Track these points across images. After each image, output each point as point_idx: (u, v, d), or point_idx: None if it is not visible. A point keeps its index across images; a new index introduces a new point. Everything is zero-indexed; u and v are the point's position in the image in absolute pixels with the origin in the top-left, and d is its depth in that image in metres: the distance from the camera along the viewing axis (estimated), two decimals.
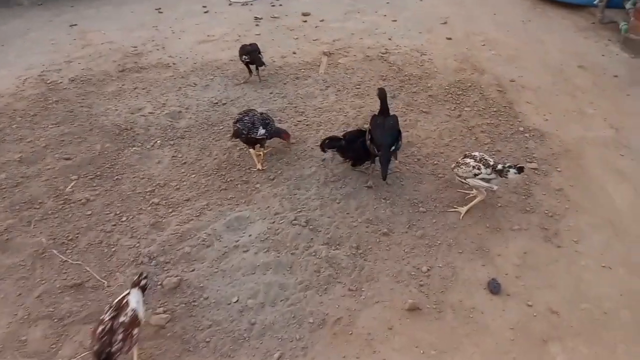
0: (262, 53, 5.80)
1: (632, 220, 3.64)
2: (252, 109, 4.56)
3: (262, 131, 4.29)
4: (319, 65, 6.10)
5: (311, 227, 3.79)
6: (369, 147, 4.07)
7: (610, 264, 3.34)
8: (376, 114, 4.19)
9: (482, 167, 3.51)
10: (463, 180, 3.66)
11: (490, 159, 3.57)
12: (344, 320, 3.12)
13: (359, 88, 5.57)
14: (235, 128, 4.40)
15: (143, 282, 3.04)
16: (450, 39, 6.49)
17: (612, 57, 5.71)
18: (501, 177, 3.49)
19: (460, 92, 5.30)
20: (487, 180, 3.53)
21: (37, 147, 4.92)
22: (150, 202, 4.18)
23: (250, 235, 3.77)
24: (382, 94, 4.13)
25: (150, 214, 4.05)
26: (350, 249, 3.60)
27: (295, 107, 5.31)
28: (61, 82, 6.07)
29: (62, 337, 3.18)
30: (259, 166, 4.45)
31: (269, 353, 2.98)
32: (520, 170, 3.44)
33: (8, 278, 3.60)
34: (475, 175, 3.54)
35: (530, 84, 5.36)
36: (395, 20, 7.17)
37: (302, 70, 6.04)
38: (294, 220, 3.84)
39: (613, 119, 4.69)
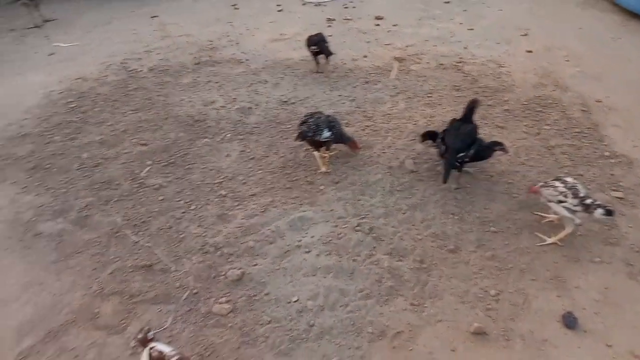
0: (327, 43, 5.83)
1: None
2: (319, 111, 4.55)
3: (327, 134, 4.28)
4: (390, 71, 6.02)
5: (374, 235, 3.72)
6: (439, 147, 4.04)
7: None
8: (457, 118, 4.11)
9: (569, 195, 3.30)
10: (547, 203, 3.46)
11: (582, 190, 3.34)
12: (405, 335, 3.03)
13: (431, 97, 5.43)
14: (300, 130, 4.41)
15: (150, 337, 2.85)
16: (530, 51, 6.20)
17: None
18: (587, 212, 3.26)
19: (540, 109, 5.04)
20: (572, 212, 3.31)
21: (116, 131, 5.18)
22: (218, 193, 4.28)
23: (312, 237, 3.76)
24: (472, 103, 4.03)
25: (217, 205, 4.15)
26: (414, 262, 3.50)
27: (364, 111, 5.26)
28: (141, 71, 6.37)
29: (131, 314, 3.31)
30: (324, 168, 4.44)
31: (326, 357, 2.95)
32: (609, 213, 3.20)
33: (85, 252, 3.80)
34: (560, 202, 3.33)
35: (618, 106, 5.01)
36: (471, 29, 6.95)
37: (373, 74, 5.99)
38: (357, 226, 3.79)
39: None
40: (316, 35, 5.90)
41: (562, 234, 3.48)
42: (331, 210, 4.00)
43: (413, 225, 3.80)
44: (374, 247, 3.63)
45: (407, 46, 6.58)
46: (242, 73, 6.24)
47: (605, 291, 3.19)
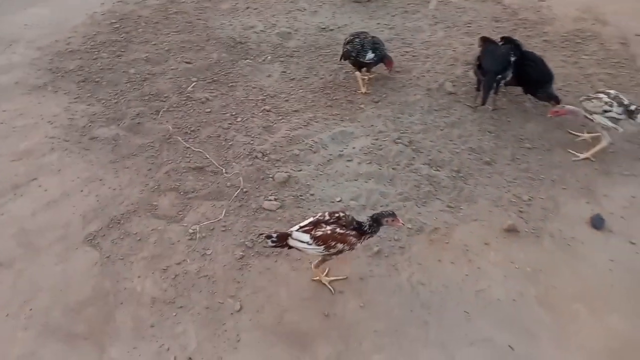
0: None
1: None
2: (364, 31, 4.65)
3: (370, 55, 4.39)
4: (429, 1, 6.01)
5: (414, 147, 3.93)
6: (475, 72, 4.15)
7: None
8: (490, 38, 4.20)
9: (614, 104, 3.45)
10: (589, 116, 3.60)
11: (625, 99, 3.49)
12: (441, 231, 3.29)
13: (470, 27, 5.46)
14: (345, 49, 4.53)
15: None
16: None
17: None
18: (630, 118, 3.41)
19: (579, 41, 5.06)
20: (615, 121, 3.45)
21: (160, 50, 5.35)
22: (262, 108, 4.49)
23: (354, 148, 3.98)
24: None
25: (262, 118, 4.37)
26: (451, 171, 3.71)
27: (403, 38, 5.34)
28: None
29: (186, 207, 3.61)
30: (364, 89, 4.59)
31: (368, 247, 3.23)
32: None
33: (139, 155, 4.08)
34: (605, 112, 3.48)
35: None
36: None
37: (411, 4, 5.99)
38: (397, 139, 4.00)
39: None
40: None
41: (595, 149, 3.64)
42: (371, 125, 4.20)
43: (451, 140, 3.99)
44: (413, 158, 3.84)
45: None
46: (281, 1, 6.28)
47: (632, 199, 3.39)
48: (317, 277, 3.02)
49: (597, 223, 3.19)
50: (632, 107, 3.42)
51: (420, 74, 4.75)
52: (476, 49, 4.46)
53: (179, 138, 4.20)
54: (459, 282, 2.98)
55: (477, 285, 2.95)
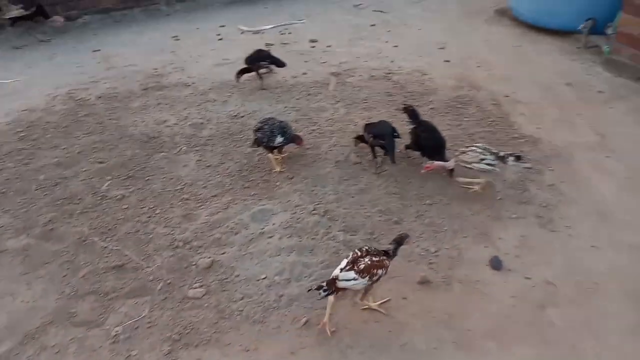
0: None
1: (616, 208, 4.07)
2: (272, 118, 5.03)
3: (280, 139, 4.74)
4: (328, 84, 6.64)
5: (329, 216, 4.19)
6: (370, 142, 4.67)
7: (599, 245, 3.74)
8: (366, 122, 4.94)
9: (487, 154, 4.05)
10: (468, 166, 4.13)
11: (492, 148, 4.16)
12: (362, 292, 3.47)
13: (367, 102, 6.08)
14: (256, 137, 4.85)
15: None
16: (448, 61, 7.07)
17: (597, 76, 6.28)
18: (503, 162, 4.04)
19: (460, 106, 5.81)
20: (492, 166, 4.03)
21: (71, 153, 5.35)
22: (181, 197, 4.59)
23: (274, 224, 4.16)
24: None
25: (182, 207, 4.45)
26: (365, 234, 3.99)
27: (309, 118, 5.80)
28: (89, 99, 6.57)
29: (108, 309, 3.51)
30: (278, 168, 4.88)
31: (296, 319, 3.32)
32: (518, 158, 3.99)
33: (54, 262, 3.95)
34: (482, 159, 4.04)
35: (523, 99, 5.88)
36: (396, 46, 7.77)
37: (313, 87, 6.57)
38: (313, 210, 4.25)
39: (598, 127, 5.18)
40: (261, 50, 6.51)
41: (477, 181, 4.32)
42: (288, 200, 4.43)
43: (362, 205, 4.31)
44: (330, 226, 4.09)
45: (341, 63, 7.26)
46: (190, 94, 6.61)
47: (522, 239, 3.83)
48: (367, 306, 3.32)
49: (496, 264, 3.56)
50: (501, 154, 4.06)
51: (328, 148, 5.16)
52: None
53: (96, 239, 4.14)
54: (384, 340, 3.13)
55: (400, 340, 3.12)
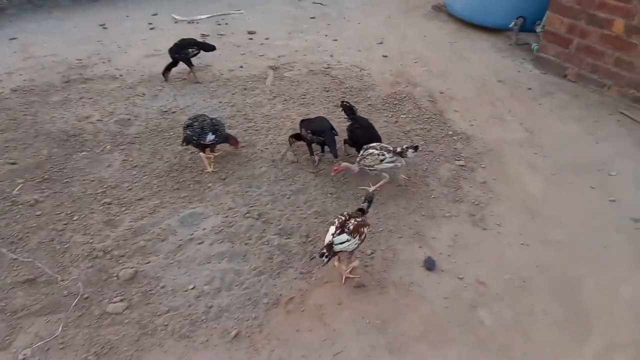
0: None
1: (543, 204, 4.20)
2: (203, 114, 4.76)
3: (211, 137, 4.50)
4: (266, 78, 6.43)
5: (263, 219, 4.02)
6: (309, 138, 4.54)
7: (528, 242, 3.83)
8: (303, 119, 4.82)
9: (385, 153, 4.07)
10: (371, 169, 4.13)
11: (389, 146, 4.18)
12: (297, 299, 3.35)
13: (305, 98, 5.94)
14: (185, 134, 4.57)
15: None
16: (386, 56, 7.06)
17: (526, 73, 6.49)
18: (403, 157, 4.11)
19: (397, 102, 5.81)
20: (392, 163, 4.09)
21: None
22: (102, 202, 4.24)
23: (204, 229, 3.94)
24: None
25: (103, 212, 4.12)
26: (301, 237, 3.86)
27: (245, 114, 5.58)
28: (2, 92, 5.97)
29: (15, 329, 3.17)
30: (210, 168, 4.64)
31: (226, 332, 3.14)
32: (416, 148, 4.08)
33: None
34: (382, 161, 4.06)
35: (457, 96, 5.97)
36: (335, 40, 7.68)
37: (250, 82, 6.34)
38: (247, 213, 4.06)
39: (527, 124, 5.35)
40: (186, 38, 6.19)
41: (380, 183, 4.30)
42: (220, 203, 4.22)
43: (297, 207, 4.18)
44: (264, 230, 3.92)
45: (279, 56, 7.06)
46: (117, 88, 6.18)
47: (455, 237, 3.86)
48: (345, 275, 3.46)
49: (430, 265, 3.55)
50: (399, 149, 4.11)
51: (264, 146, 4.97)
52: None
53: (3, 250, 3.73)
54: (318, 349, 3.03)
55: (333, 348, 3.03)
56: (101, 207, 4.18)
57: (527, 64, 6.74)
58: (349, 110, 4.81)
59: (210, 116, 4.71)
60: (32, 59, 6.87)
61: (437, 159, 4.76)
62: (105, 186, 4.45)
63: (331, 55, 7.10)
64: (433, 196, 4.29)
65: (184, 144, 4.62)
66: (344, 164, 4.23)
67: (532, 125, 5.34)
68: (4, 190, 4.32)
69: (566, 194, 4.37)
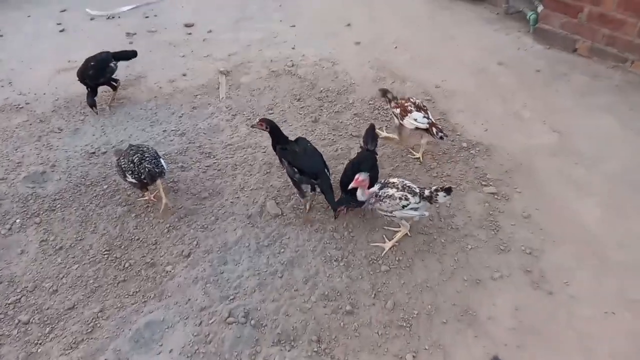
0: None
1: (609, 244, 3.26)
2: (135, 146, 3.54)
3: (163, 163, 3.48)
4: (218, 89, 5.11)
5: (253, 322, 2.88)
6: (296, 180, 3.44)
7: (612, 308, 2.89)
8: (280, 146, 3.51)
9: (409, 196, 3.00)
10: (389, 215, 3.09)
11: (415, 187, 3.07)
12: None
13: (272, 112, 4.70)
14: (147, 169, 3.37)
15: None
16: (359, 43, 5.87)
17: (528, 49, 5.49)
18: (431, 202, 3.05)
19: (387, 107, 4.68)
20: (416, 209, 3.04)
21: None
22: (16, 320, 2.96)
23: (171, 351, 2.76)
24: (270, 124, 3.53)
25: (18, 342, 2.84)
26: (310, 344, 2.77)
27: (199, 146, 4.30)
28: None
29: None
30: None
31: None
32: (449, 191, 2.98)
33: None
34: (404, 207, 3.00)
35: (457, 89, 4.92)
36: (293, 26, 6.37)
37: (198, 96, 5.01)
38: (229, 316, 2.90)
39: (551, 121, 4.39)
40: (100, 54, 4.73)
41: (398, 236, 3.25)
42: (188, 300, 3.03)
43: (296, 290, 3.06)
44: (257, 340, 2.79)
45: (229, 55, 5.71)
46: (24, 123, 4.71)
47: (517, 314, 2.88)
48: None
49: None
50: (427, 193, 3.04)
51: (234, 195, 3.76)
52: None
53: None
54: None
55: None
56: (16, 331, 2.89)
57: (525, 37, 5.72)
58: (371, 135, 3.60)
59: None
60: None
61: (460, 186, 3.73)
62: (19, 290, 3.14)
63: (293, 48, 5.82)
64: (470, 246, 3.28)
65: (146, 183, 3.39)
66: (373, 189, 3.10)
67: (557, 122, 4.37)
68: None
69: (633, 223, 3.42)
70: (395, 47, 5.73)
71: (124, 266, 3.27)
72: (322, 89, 5.01)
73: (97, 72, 4.59)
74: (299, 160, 3.39)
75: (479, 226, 3.41)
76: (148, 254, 3.35)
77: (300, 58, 5.59)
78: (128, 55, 4.91)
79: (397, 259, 3.20)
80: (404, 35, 5.98)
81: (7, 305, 3.05)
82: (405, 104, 3.80)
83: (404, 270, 3.14)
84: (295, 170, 3.38)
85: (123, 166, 3.44)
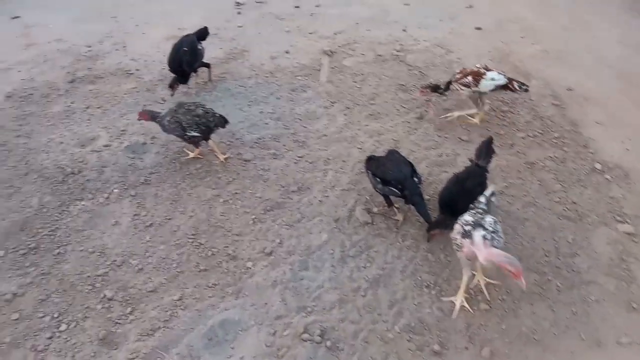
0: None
1: None
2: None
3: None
4: (319, 70, 4.84)
5: (329, 343, 2.66)
6: (379, 191, 3.14)
7: None
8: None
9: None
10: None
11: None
12: None
13: (374, 104, 4.34)
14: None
15: None
16: (479, 29, 5.23)
17: None
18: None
19: (507, 109, 4.11)
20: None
21: None
22: (102, 294, 3.02)
23: (242, 358, 2.64)
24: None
25: (101, 317, 2.90)
26: None
27: (294, 133, 4.10)
28: None
29: None
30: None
31: None
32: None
33: None
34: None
35: (594, 94, 4.18)
36: (407, 4, 5.85)
37: (299, 77, 4.79)
38: (304, 332, 2.71)
39: None
40: (186, 36, 4.57)
41: (463, 287, 2.71)
42: (265, 304, 2.89)
43: (379, 314, 2.78)
44: None
45: (335, 33, 5.39)
46: (132, 90, 4.82)
47: None
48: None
49: None
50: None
51: (323, 193, 3.53)
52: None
53: None
54: None
55: None
56: (99, 306, 2.96)
57: None
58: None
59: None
60: (35, 48, 5.56)
61: (587, 218, 3.14)
62: (108, 263, 3.21)
63: (404, 29, 5.34)
64: (593, 297, 2.75)
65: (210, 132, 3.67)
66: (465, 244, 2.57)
67: None
68: None
69: None
70: (523, 37, 5.02)
71: (206, 254, 3.21)
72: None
73: (192, 57, 4.47)
74: (382, 167, 3.07)
75: (606, 273, 2.84)
76: (231, 245, 3.26)
77: (411, 42, 5.12)
78: (204, 35, 4.72)
79: (500, 297, 2.78)
80: (534, 22, 5.23)
81: (95, 277, 3.13)
82: (474, 70, 3.66)
83: (507, 313, 2.72)
84: (378, 179, 3.07)
85: (184, 123, 3.61)
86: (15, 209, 3.61)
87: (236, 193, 3.63)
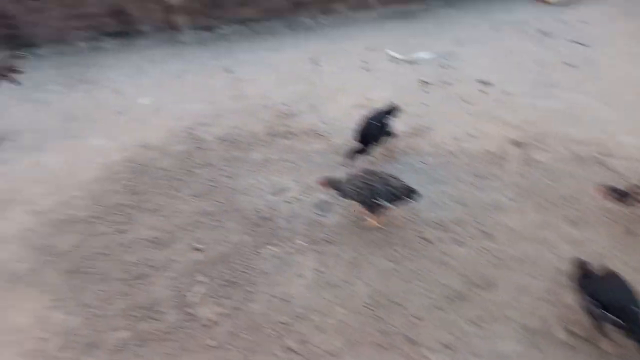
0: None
1: None
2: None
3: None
4: (506, 159, 4.73)
5: None
6: (594, 314, 2.84)
7: None
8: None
9: None
10: None
11: None
12: None
13: (571, 205, 4.08)
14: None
15: None
16: None
17: None
18: None
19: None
20: None
21: (170, 225, 4.31)
22: (284, 343, 3.21)
23: None
24: None
25: None
26: None
27: (479, 223, 4.02)
28: (209, 140, 5.55)
29: None
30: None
31: None
32: None
33: None
34: None
35: None
36: (608, 105, 5.50)
37: (483, 163, 4.75)
38: None
39: None
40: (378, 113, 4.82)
41: None
42: None
43: None
44: None
45: (523, 122, 5.28)
46: (320, 150, 5.24)
47: None
48: None
49: None
50: None
51: (511, 295, 3.35)
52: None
53: None
54: None
55: None
56: (283, 354, 3.14)
57: None
58: None
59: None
60: (243, 100, 6.42)
61: None
62: (291, 313, 3.43)
63: (606, 131, 5.01)
64: None
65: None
66: None
67: None
68: (182, 294, 3.62)
69: None
70: None
71: (384, 329, 3.24)
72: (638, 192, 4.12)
73: (378, 132, 4.70)
74: (602, 290, 2.80)
75: None
76: (408, 326, 3.24)
77: (614, 145, 4.77)
78: (393, 112, 4.86)
79: None
80: None
81: (279, 323, 3.35)
82: None
83: None
84: (595, 301, 2.80)
85: (376, 190, 3.76)
86: (217, 241, 4.10)
87: (415, 272, 3.64)
